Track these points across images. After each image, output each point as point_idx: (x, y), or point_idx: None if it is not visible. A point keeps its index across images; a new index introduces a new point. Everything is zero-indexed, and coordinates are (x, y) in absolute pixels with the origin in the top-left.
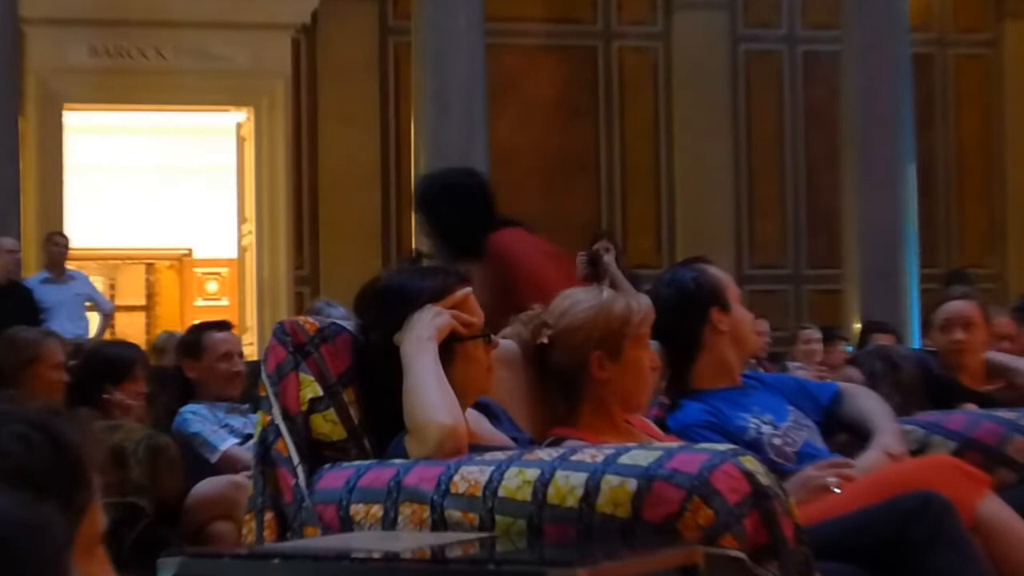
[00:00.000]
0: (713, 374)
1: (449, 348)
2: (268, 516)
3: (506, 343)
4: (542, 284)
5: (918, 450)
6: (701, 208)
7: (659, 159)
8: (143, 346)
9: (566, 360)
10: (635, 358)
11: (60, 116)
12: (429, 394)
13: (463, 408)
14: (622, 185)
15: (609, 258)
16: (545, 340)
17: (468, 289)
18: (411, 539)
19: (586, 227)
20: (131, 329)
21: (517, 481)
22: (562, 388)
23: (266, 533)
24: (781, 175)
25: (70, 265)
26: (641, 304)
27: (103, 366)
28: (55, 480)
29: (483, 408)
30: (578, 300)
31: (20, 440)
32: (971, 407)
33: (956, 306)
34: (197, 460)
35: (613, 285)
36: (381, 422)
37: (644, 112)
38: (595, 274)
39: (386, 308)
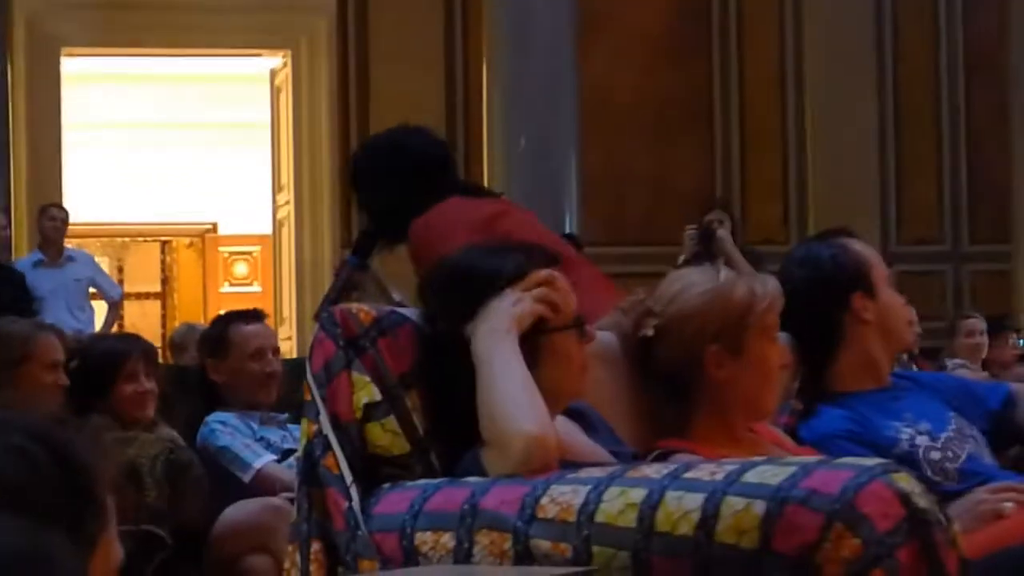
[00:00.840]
0: (856, 373)
1: (534, 341)
2: (315, 547)
3: (604, 336)
4: None
5: None
6: (838, 170)
7: (786, 109)
8: (157, 342)
9: (676, 356)
10: (759, 353)
11: (57, 63)
12: (511, 398)
13: (552, 415)
14: (741, 141)
15: (724, 232)
16: (650, 332)
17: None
18: (489, 575)
19: (696, 194)
20: (143, 321)
21: (619, 504)
22: (671, 390)
23: (313, 567)
24: (937, 129)
25: (70, 243)
26: (767, 288)
27: (95, 363)
28: (61, 504)
29: (576, 415)
30: (691, 283)
31: (19, 456)
32: None
33: None
34: (226, 480)
35: (728, 265)
36: (452, 432)
37: (768, 50)
38: (707, 252)
39: (457, 293)
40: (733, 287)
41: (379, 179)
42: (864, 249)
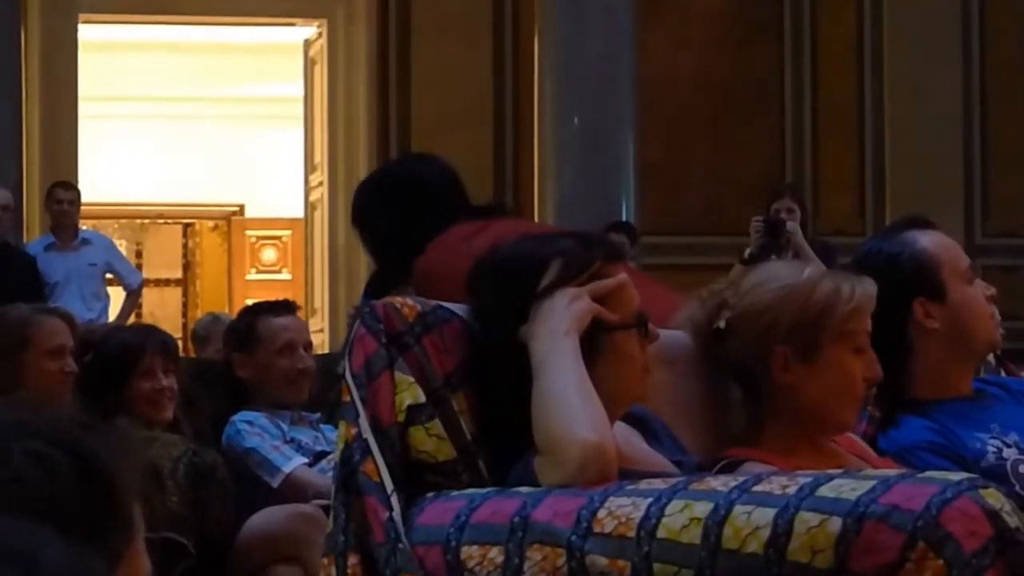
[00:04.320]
0: (930, 383)
1: (593, 341)
2: (352, 560)
3: (668, 335)
4: None
5: None
6: (919, 156)
7: (863, 91)
8: (178, 332)
9: (744, 353)
10: (836, 362)
11: (74, 31)
12: (568, 403)
13: (611, 420)
14: (813, 125)
15: (793, 224)
16: (722, 325)
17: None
18: None
19: (764, 182)
20: (163, 310)
21: (682, 518)
22: (743, 391)
23: None
24: None
25: (86, 225)
26: (856, 290)
27: (109, 357)
28: (84, 515)
29: (637, 421)
30: (772, 276)
31: (38, 462)
32: None
33: None
34: (253, 484)
35: (798, 259)
36: (502, 438)
37: (844, 29)
38: (775, 244)
39: (508, 289)
40: (815, 285)
41: (373, 212)
42: (935, 243)
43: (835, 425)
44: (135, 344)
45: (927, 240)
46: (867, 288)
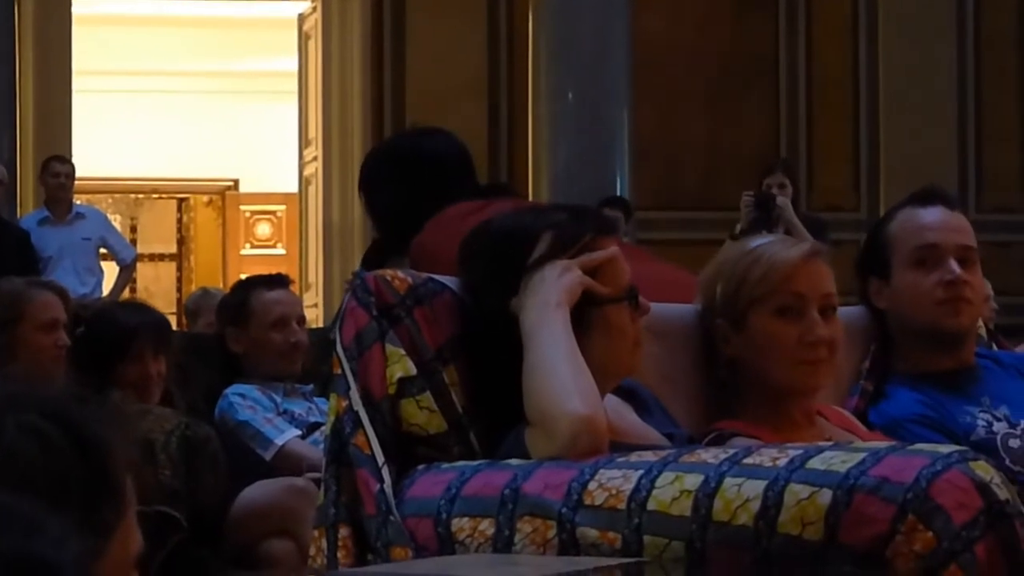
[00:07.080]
0: (906, 358)
1: (584, 314)
2: (343, 532)
3: (662, 309)
4: None
5: None
6: (913, 132)
7: (858, 66)
8: (172, 307)
9: (706, 325)
10: (760, 327)
11: (68, 5)
12: (559, 376)
13: (602, 393)
14: (807, 100)
15: (784, 199)
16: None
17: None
18: (532, 565)
19: (758, 156)
20: (157, 284)
21: (673, 490)
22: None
23: (340, 554)
24: (1022, 85)
25: (79, 199)
26: (779, 255)
27: (99, 339)
28: (76, 489)
29: (628, 394)
30: (728, 247)
31: (33, 436)
32: None
33: None
34: (246, 457)
35: (789, 234)
36: (493, 411)
37: (839, 2)
38: (766, 219)
39: (499, 261)
40: (742, 256)
41: (381, 181)
42: (900, 221)
43: (784, 389)
44: (126, 330)
45: (901, 216)
46: (790, 253)
